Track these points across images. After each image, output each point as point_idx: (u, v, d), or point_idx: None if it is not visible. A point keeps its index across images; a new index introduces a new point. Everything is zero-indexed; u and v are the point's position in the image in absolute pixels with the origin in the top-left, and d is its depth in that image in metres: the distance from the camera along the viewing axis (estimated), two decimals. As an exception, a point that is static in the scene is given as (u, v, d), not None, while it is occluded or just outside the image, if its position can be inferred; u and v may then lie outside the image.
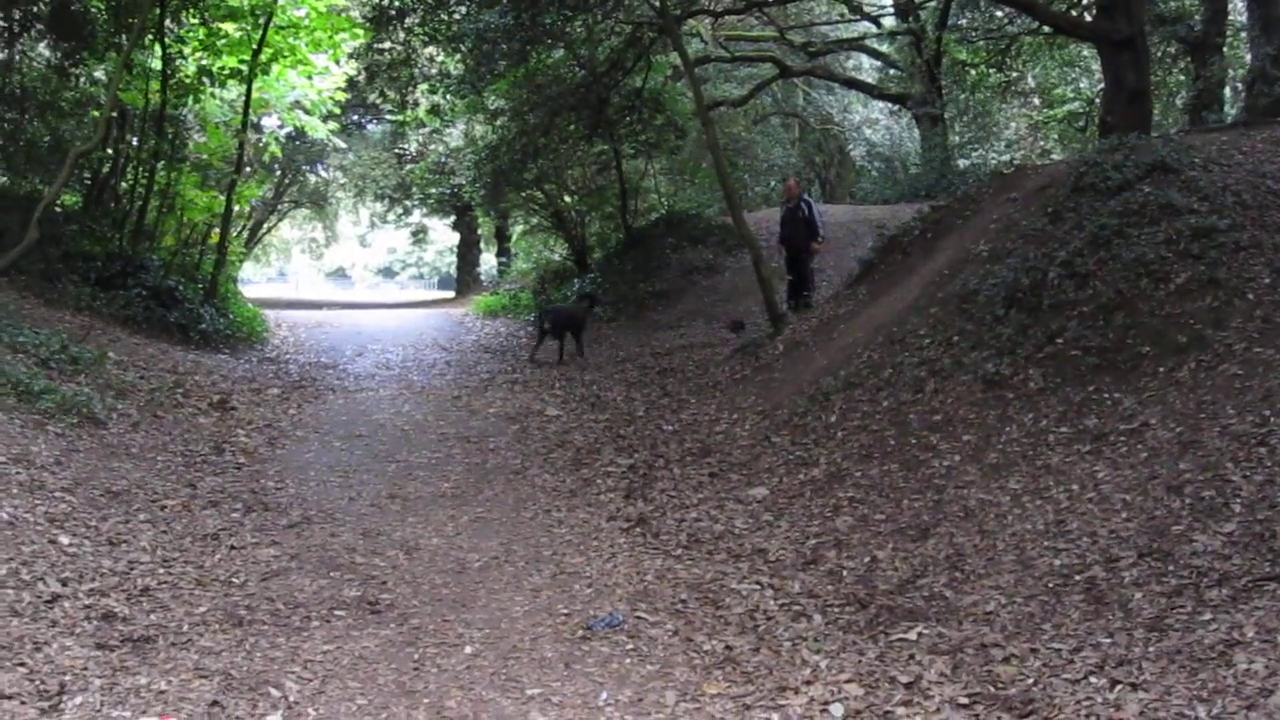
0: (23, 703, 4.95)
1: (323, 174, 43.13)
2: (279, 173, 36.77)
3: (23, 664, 5.35)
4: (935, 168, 28.18)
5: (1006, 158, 29.04)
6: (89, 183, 19.17)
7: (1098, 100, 22.07)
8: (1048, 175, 12.63)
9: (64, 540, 7.14)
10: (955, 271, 11.60)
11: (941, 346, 10.20)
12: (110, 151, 18.78)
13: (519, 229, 36.71)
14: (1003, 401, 8.86)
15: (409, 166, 38.20)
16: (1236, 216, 9.29)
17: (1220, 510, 6.18)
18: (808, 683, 5.46)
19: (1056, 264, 9.82)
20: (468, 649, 6.08)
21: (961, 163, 29.46)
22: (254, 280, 54.68)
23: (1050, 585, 6.13)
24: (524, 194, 27.34)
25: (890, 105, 34.44)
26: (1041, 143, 32.05)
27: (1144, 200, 9.95)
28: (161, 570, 7.05)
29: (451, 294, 44.00)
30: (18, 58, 17.69)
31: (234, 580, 7.06)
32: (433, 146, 35.58)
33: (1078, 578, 6.10)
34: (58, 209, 16.88)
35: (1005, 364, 9.24)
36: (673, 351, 16.96)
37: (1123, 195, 10.25)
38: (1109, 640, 5.35)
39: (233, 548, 7.75)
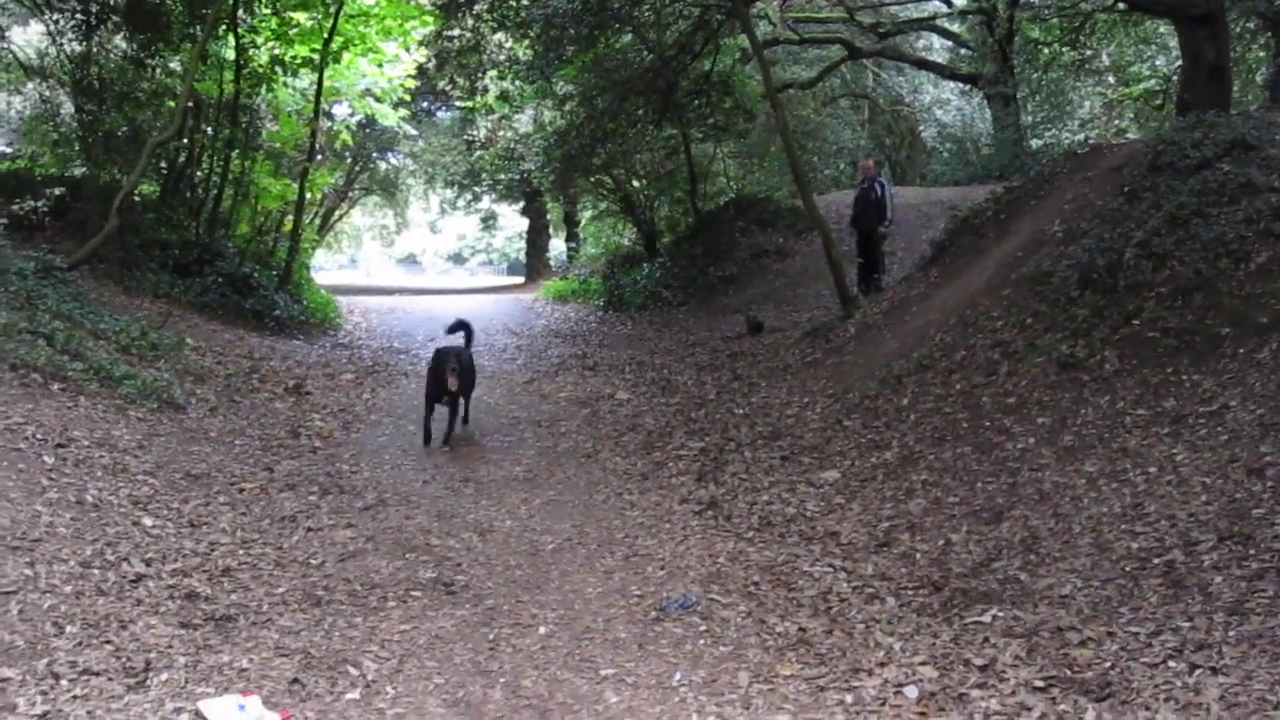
0: (110, 679, 5.08)
1: (393, 161, 43.42)
2: (350, 160, 37.09)
3: (109, 642, 5.47)
4: (1008, 148, 27.82)
5: (1081, 137, 28.54)
6: (166, 172, 19.45)
7: (1175, 78, 21.70)
8: (1124, 154, 12.44)
9: (147, 522, 7.29)
10: (1029, 253, 11.47)
11: (1015, 329, 10.10)
12: (186, 141, 19.03)
13: (588, 214, 36.81)
14: (1078, 384, 8.75)
15: (478, 152, 38.38)
16: (1317, 195, 9.11)
17: (1303, 493, 6.09)
18: (881, 665, 5.45)
19: (1133, 244, 9.68)
20: (542, 629, 6.14)
21: (1034, 143, 29.05)
22: (326, 267, 55.12)
23: (1127, 569, 6.05)
24: (593, 179, 27.37)
25: (961, 85, 34.07)
26: (1117, 122, 31.48)
27: (1223, 179, 9.78)
28: (241, 551, 7.17)
29: (521, 280, 44.21)
30: (95, 50, 17.94)
31: (312, 561, 7.17)
32: (502, 132, 35.71)
33: (1156, 561, 6.02)
34: (136, 198, 17.13)
35: (1080, 346, 9.13)
36: (743, 335, 16.91)
37: (1201, 174, 10.08)
38: (1188, 624, 5.29)
39: (310, 530, 7.87)
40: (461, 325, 13.04)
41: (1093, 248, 10.12)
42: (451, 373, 10.76)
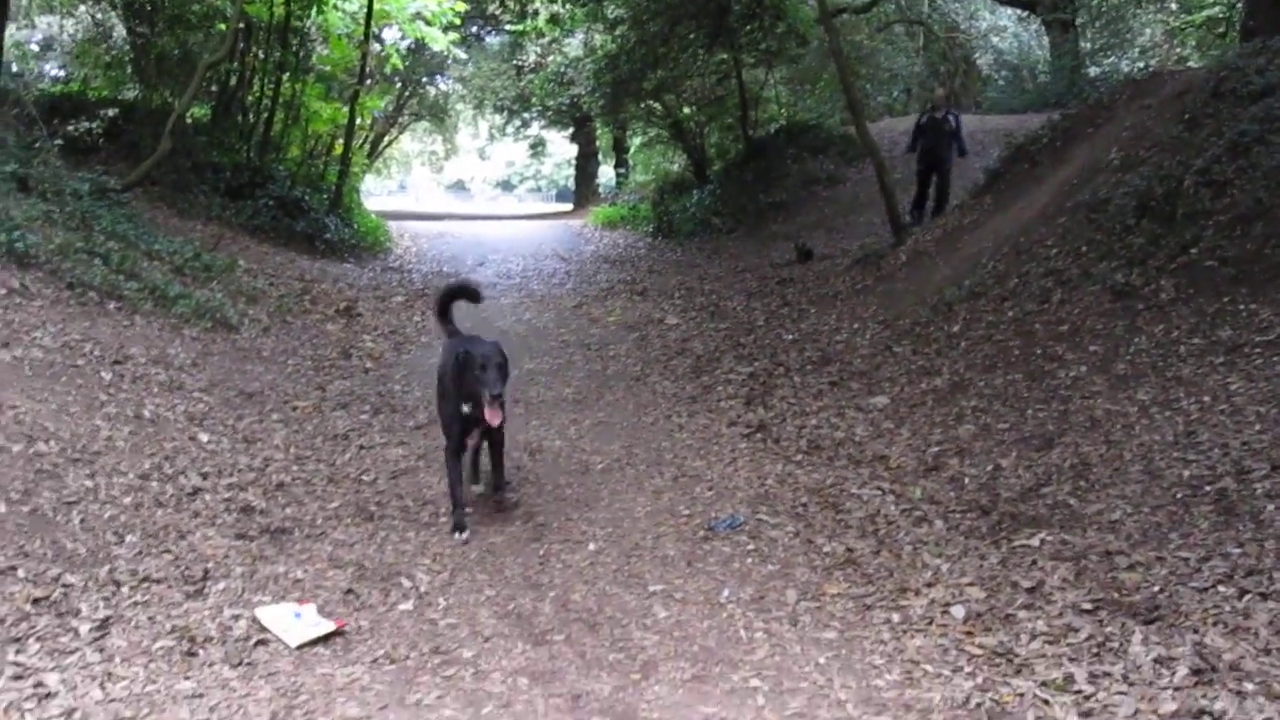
0: (169, 586, 5.20)
1: (442, 86, 43.34)
2: (400, 85, 37.03)
3: (168, 551, 5.60)
4: (1065, 76, 27.32)
5: (1141, 65, 28.01)
6: (217, 95, 19.53)
7: (1238, 4, 21.19)
8: (1184, 81, 12.21)
9: (203, 437, 7.41)
10: (1085, 180, 11.32)
11: (1069, 256, 9.98)
12: (237, 64, 19.09)
13: (637, 140, 36.54)
14: (1132, 312, 8.65)
15: (528, 77, 38.18)
16: (1383, 123, 8.92)
17: (1359, 423, 6.02)
18: (929, 585, 5.47)
19: (1192, 172, 9.52)
20: (591, 546, 6.21)
21: (1092, 71, 28.51)
22: (375, 193, 55.20)
23: (1178, 495, 6.02)
24: (643, 104, 27.17)
25: (1018, 12, 33.42)
26: (1178, 50, 30.80)
27: (1287, 106, 9.60)
28: (295, 467, 7.29)
29: (569, 207, 44.11)
30: (147, -29, 17.99)
31: (364, 478, 7.27)
32: (551, 57, 35.43)
33: (1207, 489, 5.98)
34: (188, 121, 17.23)
35: (1136, 274, 9.01)
36: (792, 262, 16.83)
37: (1264, 101, 9.87)
38: (1239, 550, 5.26)
39: (362, 447, 7.97)
40: (463, 292, 8.06)
41: (1151, 175, 9.97)
42: (494, 400, 6.23)
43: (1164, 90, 12.37)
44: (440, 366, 7.13)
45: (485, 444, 7.01)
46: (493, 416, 6.25)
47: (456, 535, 6.26)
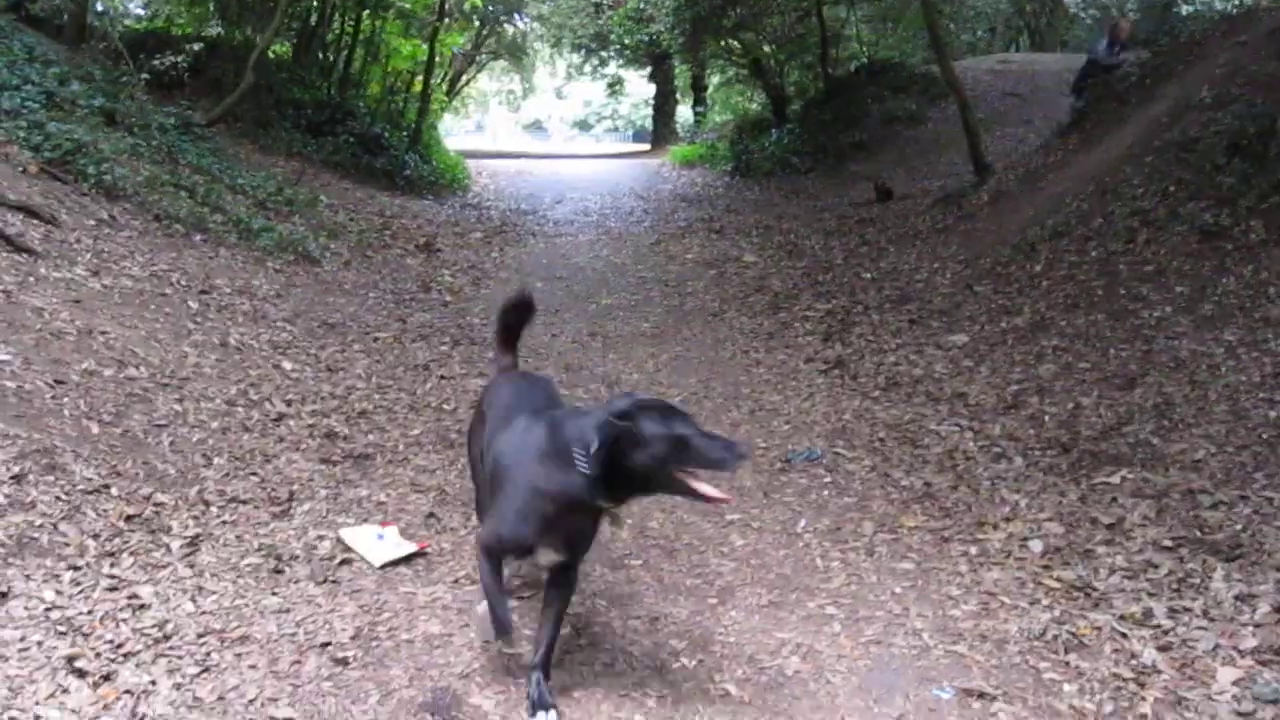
0: (256, 507, 5.32)
1: (520, 24, 43.18)
2: (478, 23, 36.96)
3: (255, 474, 5.73)
4: (1155, 14, 26.64)
5: (1235, 2, 27.26)
6: (298, 32, 19.63)
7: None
8: (1280, 18, 11.90)
9: (287, 365, 7.55)
10: (1175, 119, 11.08)
11: (1156, 196, 9.80)
12: (317, 1, 19.15)
13: (716, 79, 36.30)
14: (1220, 253, 8.49)
15: (606, 15, 37.95)
16: None
17: None
18: (1007, 519, 5.46)
19: (1287, 110, 9.31)
20: (668, 476, 6.24)
21: (1185, 9, 27.80)
22: (453, 132, 55.24)
23: (1264, 436, 5.93)
24: (722, 42, 26.98)
25: (1108, -52, 32.63)
26: (1273, -14, 29.95)
27: (1388, 41, 9.33)
28: (377, 396, 7.40)
29: (647, 146, 43.94)
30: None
31: (445, 407, 7.36)
32: (631, -7, 35.26)
33: (1294, 429, 5.91)
34: (269, 57, 17.36)
35: (1225, 214, 8.84)
36: (872, 201, 16.68)
37: (1367, 36, 9.62)
38: (1325, 490, 5.20)
39: (442, 378, 8.06)
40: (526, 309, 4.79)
41: (1243, 114, 9.74)
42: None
43: (1259, 27, 12.06)
44: (491, 425, 4.09)
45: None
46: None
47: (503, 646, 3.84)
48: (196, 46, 16.71)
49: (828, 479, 6.19)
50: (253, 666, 3.87)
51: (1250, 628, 4.14)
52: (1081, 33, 33.29)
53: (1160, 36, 16.81)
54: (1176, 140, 10.37)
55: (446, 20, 23.99)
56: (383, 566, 4.79)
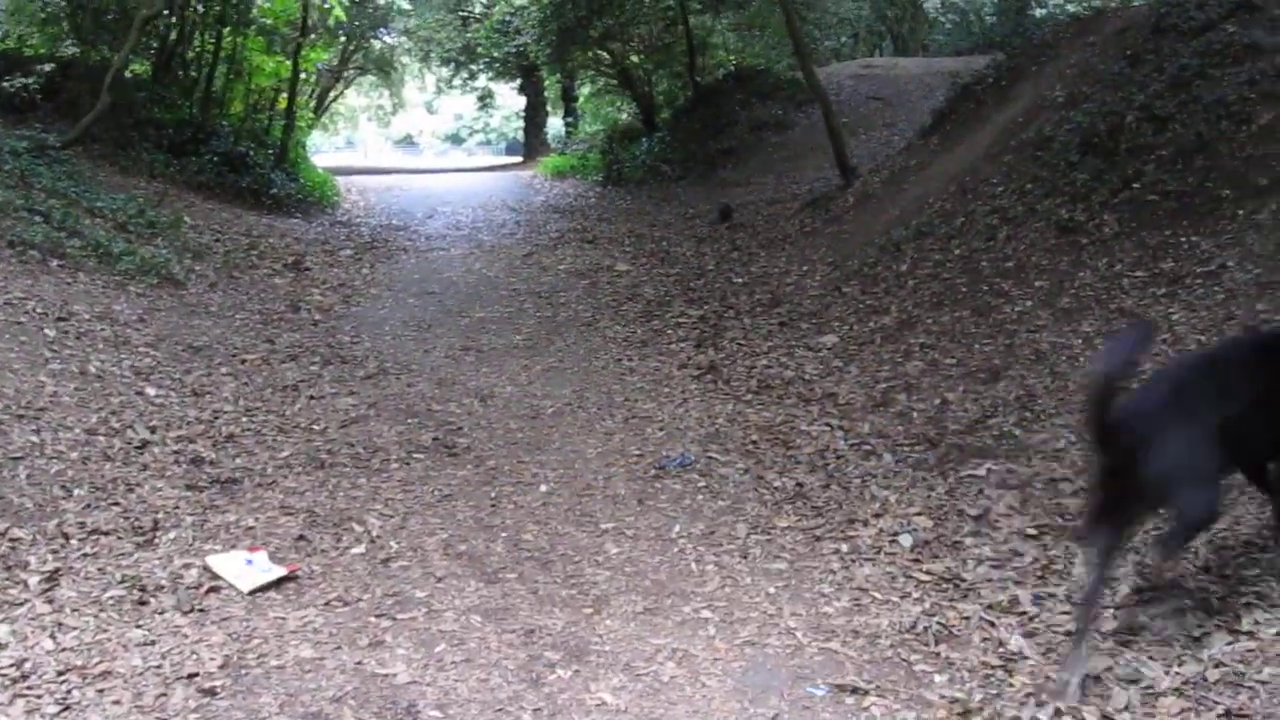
0: (119, 538, 5.18)
1: (387, 39, 42.77)
2: (344, 38, 36.54)
3: (117, 503, 5.58)
4: (1010, 17, 27.37)
5: (1084, 4, 28.06)
6: (157, 50, 19.20)
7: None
8: (1127, 18, 12.30)
9: (150, 391, 7.36)
10: (1030, 119, 11.39)
11: (1015, 194, 10.06)
12: (175, 18, 18.76)
13: (585, 90, 36.34)
14: (1077, 247, 8.74)
15: (474, 28, 37.76)
16: (1322, 55, 8.99)
17: (1297, 348, 6.10)
18: (877, 515, 5.55)
19: (1134, 108, 9.61)
20: (543, 488, 6.23)
21: (1038, 11, 28.56)
22: (323, 149, 54.52)
23: (1121, 423, 6.12)
24: (590, 53, 27.00)
25: (965, -47, 33.37)
26: (1122, -12, 30.89)
27: (1227, 40, 9.65)
28: (244, 419, 7.25)
29: (519, 159, 43.81)
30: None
31: (315, 427, 7.25)
32: (497, 6, 35.07)
33: (1150, 415, 6.08)
34: (128, 76, 16.96)
35: (1080, 210, 9.10)
36: (742, 207, 16.82)
37: (1205, 36, 9.95)
38: (1180, 473, 5.36)
39: (312, 398, 7.94)
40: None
41: (1094, 112, 10.05)
42: None
43: (1107, 27, 12.46)
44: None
45: None
46: None
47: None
48: (48, 67, 16.27)
49: (702, 484, 6.23)
50: (116, 702, 3.77)
51: (1110, 611, 4.25)
52: (941, 37, 34.01)
53: (1014, 39, 17.31)
54: (1032, 139, 10.66)
55: (311, 36, 23.66)
56: (252, 592, 4.70)
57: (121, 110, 15.89)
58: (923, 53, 32.76)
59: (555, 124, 42.76)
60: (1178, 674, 3.77)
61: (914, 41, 35.96)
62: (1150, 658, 3.89)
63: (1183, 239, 8.08)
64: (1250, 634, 3.92)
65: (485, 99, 51.66)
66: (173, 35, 19.13)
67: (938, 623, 4.36)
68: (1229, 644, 3.88)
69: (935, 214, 10.90)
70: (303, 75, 23.11)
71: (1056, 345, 7.49)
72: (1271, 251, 7.29)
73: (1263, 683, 3.65)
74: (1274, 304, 6.66)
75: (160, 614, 4.46)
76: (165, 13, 17.40)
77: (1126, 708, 3.64)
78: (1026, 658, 4.02)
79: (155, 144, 16.69)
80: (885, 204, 12.67)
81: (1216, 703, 3.58)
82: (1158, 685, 3.73)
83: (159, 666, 4.02)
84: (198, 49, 19.77)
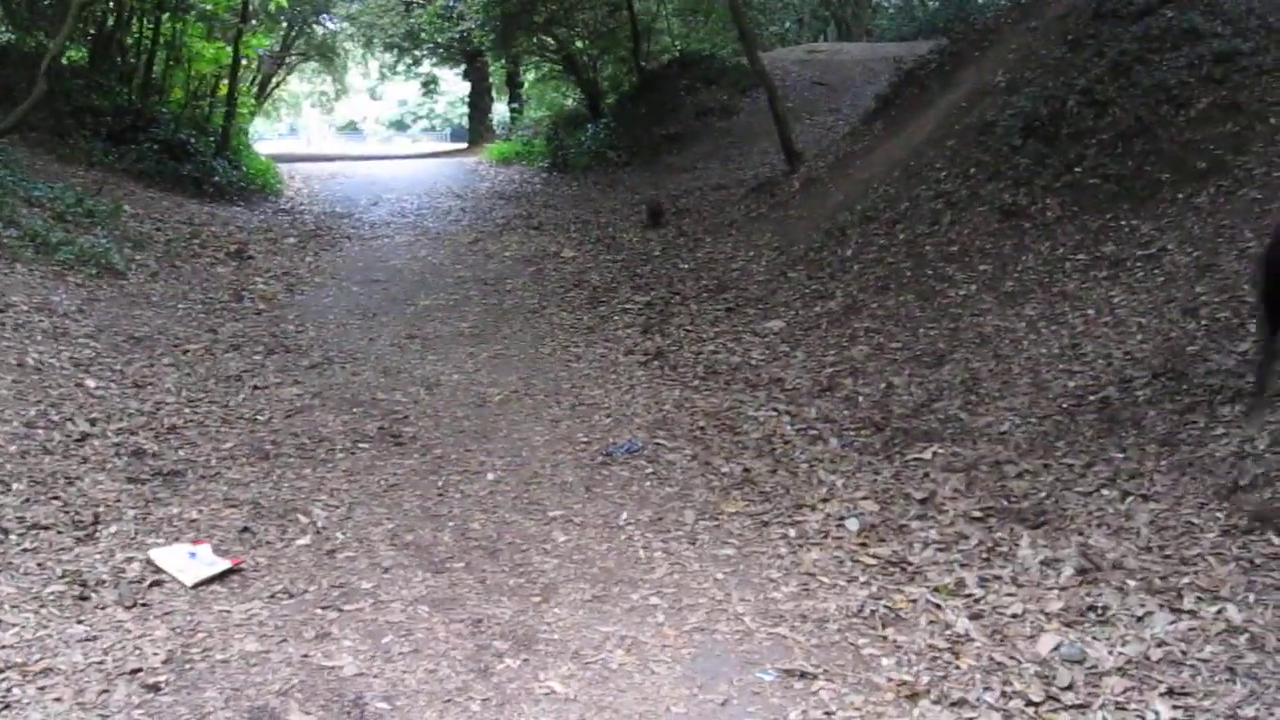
0: (59, 532, 5.10)
1: (329, 25, 42.36)
2: (285, 23, 36.17)
3: (56, 498, 5.49)
4: (953, 2, 27.46)
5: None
6: (94, 36, 18.90)
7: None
8: (1068, 3, 12.36)
9: (90, 383, 7.25)
10: (973, 103, 11.46)
11: (958, 178, 10.13)
12: (114, 3, 18.47)
13: (531, 75, 36.17)
14: (1019, 231, 8.82)
15: (417, 13, 37.48)
16: (1260, 40, 9.09)
17: (1235, 331, 6.19)
18: (824, 500, 5.58)
19: (1075, 92, 9.70)
20: (490, 476, 6.21)
21: (980, -4, 28.71)
22: (266, 136, 53.86)
23: (1064, 406, 6.18)
24: (534, 38, 26.85)
25: (907, -62, 33.50)
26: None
27: (1166, 25, 9.76)
28: (187, 410, 7.17)
29: (464, 145, 43.58)
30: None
31: (259, 418, 7.18)
32: (441, -10, 34.86)
33: (1092, 398, 6.16)
34: (64, 63, 16.69)
35: (1022, 194, 9.19)
36: (688, 193, 16.84)
37: (1144, 20, 10.05)
38: (1121, 455, 5.43)
39: (256, 388, 7.86)
40: None
41: (1036, 96, 10.13)
42: None
43: (1048, 12, 12.53)
44: None
45: None
46: None
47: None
48: (-18, 54, 16.01)
49: (649, 470, 6.23)
50: (58, 699, 3.71)
51: (1056, 590, 4.31)
52: (884, 22, 34.15)
53: (957, 24, 17.38)
54: (975, 124, 10.73)
55: (252, 22, 23.39)
56: (195, 586, 4.64)
57: (58, 97, 15.64)
58: (867, 38, 32.87)
59: (500, 110, 42.59)
60: (1121, 654, 3.81)
61: (858, 27, 36.07)
62: (1094, 638, 3.93)
63: (1123, 222, 8.17)
64: (1192, 613, 3.97)
65: (429, 85, 51.40)
66: (110, 21, 18.83)
67: (885, 606, 4.38)
68: (1171, 623, 3.93)
69: (880, 199, 10.96)
70: (244, 62, 22.82)
71: (1000, 329, 7.57)
72: (1210, 234, 7.38)
73: (1204, 661, 3.70)
74: (1213, 286, 6.74)
75: (102, 609, 4.40)
76: (102, -2, 17.12)
77: (1071, 687, 3.68)
78: (973, 640, 4.05)
79: (93, 132, 16.45)
80: (830, 189, 12.71)
81: (1159, 681, 3.62)
82: (1102, 665, 3.77)
83: (101, 662, 3.97)
84: (136, 35, 19.47)
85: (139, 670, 3.92)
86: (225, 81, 21.51)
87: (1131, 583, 4.24)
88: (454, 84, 51.81)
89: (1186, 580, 4.19)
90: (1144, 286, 7.23)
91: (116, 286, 9.89)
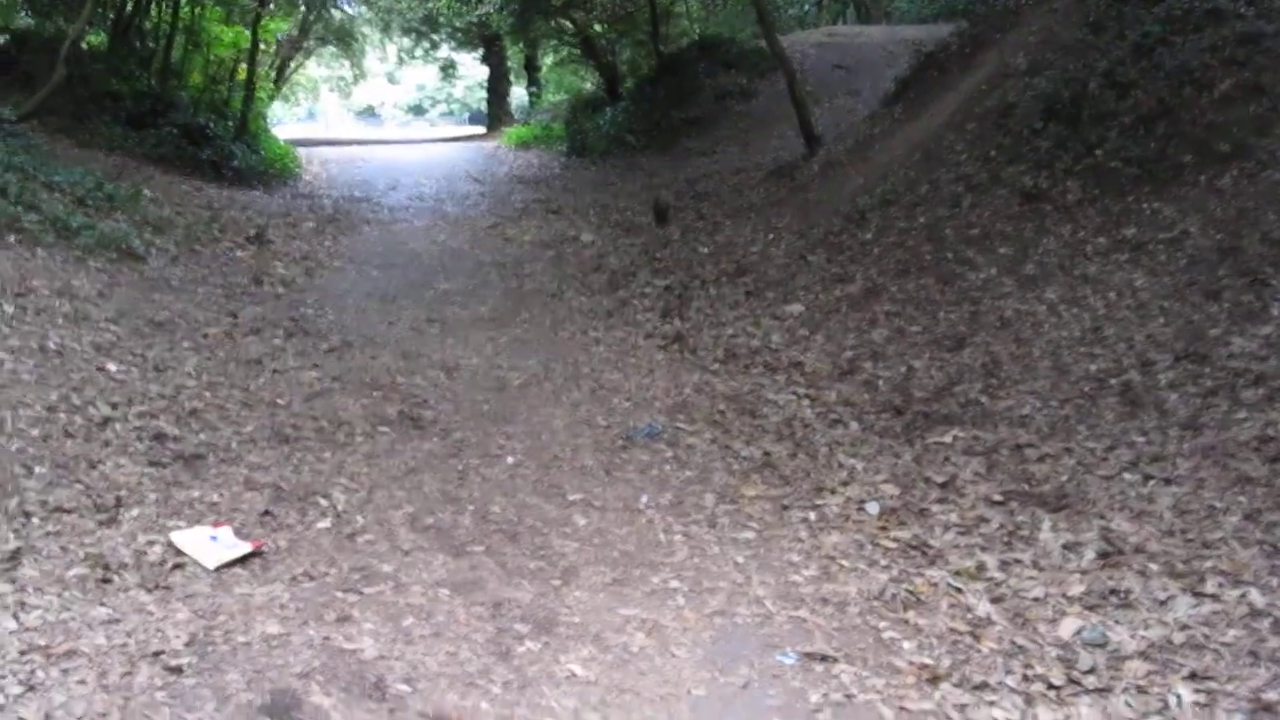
0: (82, 516, 5.11)
1: (347, 9, 42.34)
2: (303, 8, 36.21)
3: (79, 481, 5.50)
4: (973, -16, 27.34)
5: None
6: (113, 21, 18.96)
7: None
8: (1090, -17, 12.28)
9: (111, 367, 7.27)
10: (993, 86, 11.39)
11: (979, 162, 10.07)
12: (131, -12, 18.55)
13: (549, 60, 36.15)
14: (1040, 214, 8.77)
15: (435, -3, 37.48)
16: (1284, 20, 9.02)
17: (1258, 314, 6.15)
18: (844, 484, 5.57)
19: (1097, 74, 9.61)
20: (509, 459, 6.22)
21: (1001, -22, 28.50)
22: (284, 121, 53.97)
23: (1085, 389, 6.15)
24: (552, 22, 26.84)
25: (928, -80, 33.30)
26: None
27: (1189, 6, 9.66)
28: (208, 394, 7.17)
29: (483, 129, 43.58)
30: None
31: (279, 401, 7.19)
32: (459, -26, 34.80)
33: (1113, 382, 6.12)
34: (84, 48, 16.74)
35: (1043, 177, 9.12)
36: (707, 177, 16.81)
37: (1167, 2, 9.95)
38: (1143, 439, 5.40)
39: (276, 372, 7.87)
40: None
41: (1057, 79, 10.05)
42: None
43: (1069, -6, 12.43)
44: None
45: None
46: None
47: None
48: (2, 40, 16.06)
49: (669, 454, 6.23)
50: (81, 682, 3.73)
51: (1077, 574, 4.29)
52: (904, 4, 33.96)
53: (977, 6, 17.29)
54: (995, 107, 10.66)
55: (270, 6, 23.41)
56: (217, 569, 4.66)
57: (78, 83, 15.69)
58: (886, 20, 32.70)
59: (518, 94, 42.58)
60: (1143, 637, 3.80)
61: (877, 9, 35.90)
62: (1116, 622, 3.92)
63: (1145, 205, 8.11)
64: (1214, 597, 3.95)
65: (447, 69, 51.47)
66: (129, 6, 18.91)
67: (905, 589, 4.38)
68: (1193, 607, 3.91)
69: (900, 182, 10.90)
70: (262, 46, 22.85)
71: (1021, 312, 7.52)
72: (1233, 217, 7.32)
73: (1227, 645, 3.68)
74: (1235, 269, 6.69)
75: (124, 592, 4.41)
76: (121, -17, 17.16)
77: (1092, 670, 3.67)
78: (994, 623, 4.04)
79: (113, 116, 16.51)
80: (850, 172, 12.66)
81: (1182, 665, 3.61)
82: (1124, 649, 3.76)
83: (124, 645, 3.98)
84: (155, 20, 19.56)
85: (161, 652, 3.94)
86: (244, 66, 21.58)
87: (1153, 566, 4.22)
88: (472, 68, 51.81)
89: (1209, 564, 4.17)
90: (1166, 269, 7.18)
91: (137, 271, 9.92)
